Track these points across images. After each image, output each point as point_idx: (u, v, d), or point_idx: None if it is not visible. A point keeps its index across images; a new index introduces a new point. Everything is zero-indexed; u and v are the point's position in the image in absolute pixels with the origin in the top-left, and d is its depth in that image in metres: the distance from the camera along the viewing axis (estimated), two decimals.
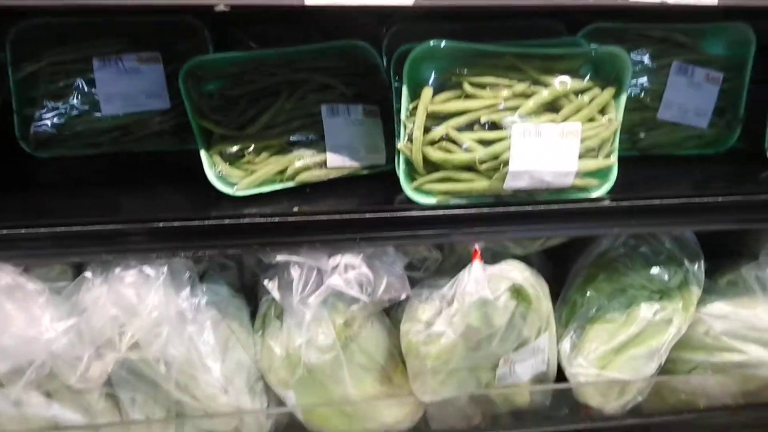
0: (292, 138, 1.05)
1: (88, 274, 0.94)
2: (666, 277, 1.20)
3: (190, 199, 1.01)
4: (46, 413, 1.02)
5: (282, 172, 1.04)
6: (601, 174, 1.04)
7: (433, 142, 0.97)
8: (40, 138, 1.14)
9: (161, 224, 0.90)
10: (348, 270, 0.99)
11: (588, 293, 1.22)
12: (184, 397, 1.03)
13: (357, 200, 1.02)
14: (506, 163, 0.95)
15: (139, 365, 0.98)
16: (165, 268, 0.95)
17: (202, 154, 1.00)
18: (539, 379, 1.19)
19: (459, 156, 0.96)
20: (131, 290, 0.92)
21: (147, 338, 0.94)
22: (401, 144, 0.98)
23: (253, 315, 1.14)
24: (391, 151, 1.07)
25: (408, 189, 0.99)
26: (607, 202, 1.04)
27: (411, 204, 0.99)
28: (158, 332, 0.94)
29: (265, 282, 1.03)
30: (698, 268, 1.20)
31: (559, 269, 1.29)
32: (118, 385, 1.04)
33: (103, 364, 0.93)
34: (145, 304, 0.93)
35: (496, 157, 0.96)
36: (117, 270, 0.94)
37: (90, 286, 0.93)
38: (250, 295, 1.15)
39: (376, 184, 1.06)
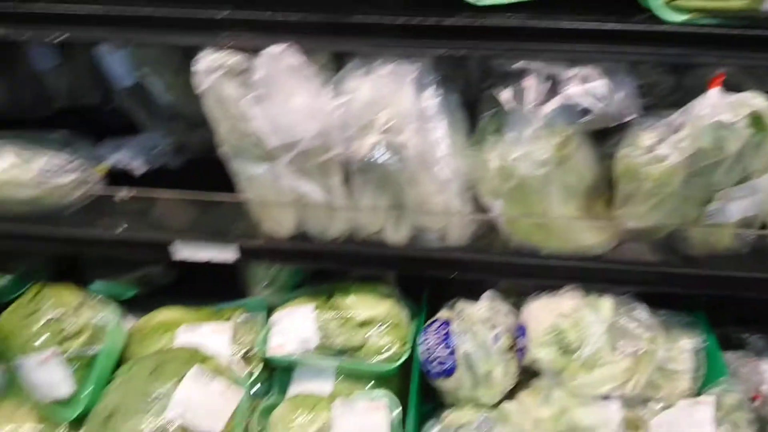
0: None
1: (351, 65, 1.05)
2: None
3: (432, 3, 1.06)
4: (297, 188, 1.19)
5: None
6: None
7: None
8: None
9: (416, 20, 0.97)
10: (584, 81, 1.02)
11: None
12: (409, 190, 1.16)
13: (599, 14, 1.02)
14: None
15: (381, 154, 1.09)
16: (415, 67, 1.03)
17: None
18: (746, 223, 1.18)
19: None
20: (388, 81, 1.02)
21: (398, 126, 1.05)
22: None
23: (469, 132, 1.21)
24: None
25: (657, 4, 0.98)
26: None
27: (658, 20, 0.98)
28: (406, 123, 1.04)
29: (496, 92, 1.09)
30: None
31: None
32: (355, 172, 1.18)
33: (364, 144, 1.06)
34: (398, 95, 1.03)
35: None
36: (375, 64, 1.04)
37: (353, 75, 1.04)
38: (469, 113, 1.22)
39: (616, 2, 1.05)
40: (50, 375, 1.32)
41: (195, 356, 1.32)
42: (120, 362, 1.42)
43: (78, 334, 1.36)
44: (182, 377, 1.25)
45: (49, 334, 1.33)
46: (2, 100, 1.63)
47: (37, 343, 1.32)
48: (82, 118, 1.58)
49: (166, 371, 1.27)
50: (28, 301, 1.41)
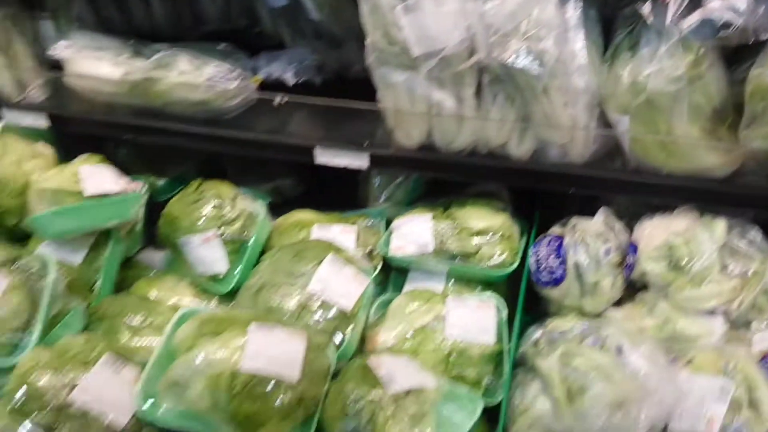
0: None
1: None
2: None
3: None
4: (432, 97, 1.31)
5: None
6: None
7: None
8: None
9: None
10: None
11: None
12: (540, 101, 1.25)
13: None
14: None
15: (522, 59, 1.19)
16: None
17: None
18: None
19: None
20: None
21: (539, 34, 1.14)
22: None
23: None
24: None
25: None
26: None
27: None
28: (548, 32, 1.13)
29: (637, 5, 1.15)
30: None
31: None
32: (488, 84, 1.28)
33: (507, 49, 1.16)
34: (542, 5, 1.12)
35: None
36: None
37: None
38: (604, 30, 1.29)
39: None
40: (211, 252, 1.55)
41: (330, 247, 1.50)
42: (263, 251, 1.63)
43: (234, 220, 1.58)
44: (320, 261, 1.43)
45: (211, 217, 1.56)
46: (164, 18, 1.85)
47: (200, 223, 1.56)
48: (231, 40, 1.77)
49: (307, 256, 1.46)
50: (192, 191, 1.64)
